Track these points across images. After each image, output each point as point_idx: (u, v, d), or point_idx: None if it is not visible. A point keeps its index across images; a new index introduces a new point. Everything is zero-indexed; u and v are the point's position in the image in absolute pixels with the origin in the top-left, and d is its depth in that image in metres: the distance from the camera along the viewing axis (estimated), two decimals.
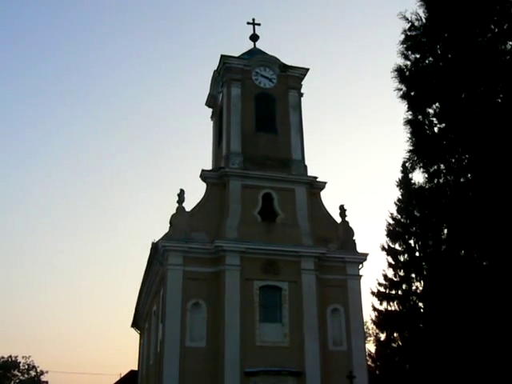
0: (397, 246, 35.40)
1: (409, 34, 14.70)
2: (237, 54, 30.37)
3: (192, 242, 25.14)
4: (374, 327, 37.43)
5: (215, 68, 30.54)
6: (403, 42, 14.78)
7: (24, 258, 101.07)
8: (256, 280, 25.08)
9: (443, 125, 14.39)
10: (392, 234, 35.67)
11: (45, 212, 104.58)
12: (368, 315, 36.62)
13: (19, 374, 65.91)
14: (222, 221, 25.90)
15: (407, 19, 14.63)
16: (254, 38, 32.01)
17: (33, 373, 66.23)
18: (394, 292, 34.58)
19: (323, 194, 28.40)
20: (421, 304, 33.81)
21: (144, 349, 34.53)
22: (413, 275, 34.44)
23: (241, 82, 29.10)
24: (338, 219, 28.10)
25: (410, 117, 14.59)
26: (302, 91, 30.32)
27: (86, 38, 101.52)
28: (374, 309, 34.88)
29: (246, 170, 26.97)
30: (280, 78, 29.93)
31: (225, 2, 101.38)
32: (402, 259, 35.04)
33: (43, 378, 66.24)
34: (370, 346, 37.99)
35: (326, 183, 28.34)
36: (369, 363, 31.42)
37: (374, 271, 60.77)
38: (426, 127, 14.52)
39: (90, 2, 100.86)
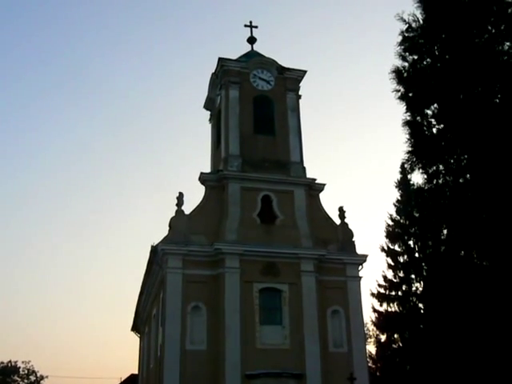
0: (396, 247, 35.42)
1: (406, 35, 14.75)
2: (234, 57, 30.36)
3: (191, 245, 25.09)
4: (375, 328, 37.44)
5: (213, 71, 30.51)
6: (401, 44, 14.82)
7: (24, 261, 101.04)
8: (256, 282, 25.02)
9: (442, 126, 14.42)
10: (391, 235, 35.68)
11: (44, 215, 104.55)
12: (368, 316, 36.65)
13: (19, 380, 65.87)
14: (221, 223, 25.86)
15: (404, 20, 14.68)
16: (252, 40, 31.96)
17: (33, 378, 66.18)
18: (393, 293, 34.57)
19: (322, 196, 28.41)
20: (421, 305, 33.80)
21: (144, 352, 34.45)
22: (412, 276, 34.45)
23: (239, 85, 29.05)
24: (338, 221, 28.09)
25: (408, 118, 14.63)
26: (300, 93, 30.28)
27: (85, 41, 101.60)
28: (374, 310, 34.89)
29: (245, 172, 26.94)
30: (278, 80, 29.89)
31: (222, 5, 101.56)
32: (401, 260, 35.05)
33: (43, 383, 66.19)
34: (371, 348, 37.94)
35: (324, 185, 28.34)
36: (369, 364, 31.36)
37: (374, 272, 60.70)
38: (425, 128, 14.55)
39: (90, 4, 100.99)
